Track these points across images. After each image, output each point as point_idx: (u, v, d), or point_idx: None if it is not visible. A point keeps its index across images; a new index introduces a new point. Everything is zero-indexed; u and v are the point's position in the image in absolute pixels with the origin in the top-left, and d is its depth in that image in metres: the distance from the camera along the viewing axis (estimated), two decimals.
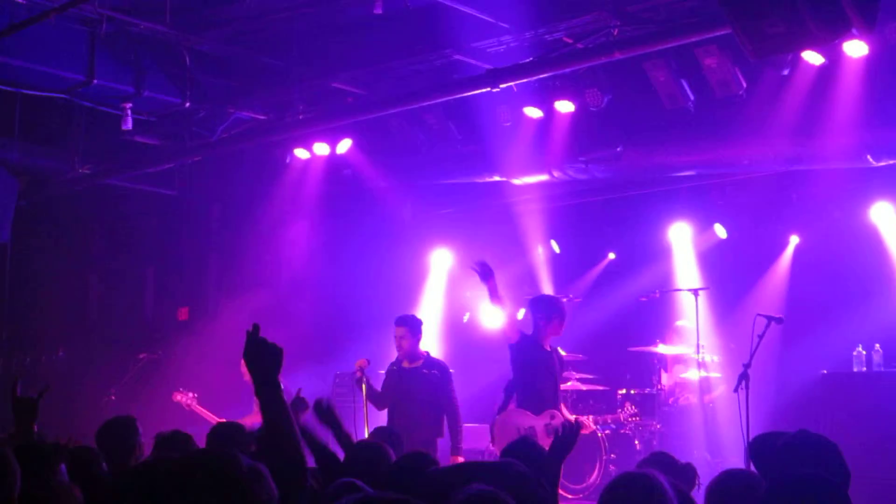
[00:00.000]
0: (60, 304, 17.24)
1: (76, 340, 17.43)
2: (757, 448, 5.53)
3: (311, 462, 6.92)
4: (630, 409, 14.11)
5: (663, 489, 4.87)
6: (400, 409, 11.73)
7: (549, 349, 12.00)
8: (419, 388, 11.72)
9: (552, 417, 11.66)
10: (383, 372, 12.31)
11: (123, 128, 13.98)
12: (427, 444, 11.15)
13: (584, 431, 11.89)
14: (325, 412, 7.58)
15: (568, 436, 6.44)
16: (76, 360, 17.23)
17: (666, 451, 8.11)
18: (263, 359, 4.66)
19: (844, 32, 9.23)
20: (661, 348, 14.53)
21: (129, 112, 13.93)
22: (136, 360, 16.26)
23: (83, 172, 15.62)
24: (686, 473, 7.42)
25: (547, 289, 16.77)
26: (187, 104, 14.15)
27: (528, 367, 11.85)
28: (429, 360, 11.94)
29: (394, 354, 12.16)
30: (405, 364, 11.93)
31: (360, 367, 11.75)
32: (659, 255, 16.15)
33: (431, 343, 16.85)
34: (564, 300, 13.25)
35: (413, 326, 11.96)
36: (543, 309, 12.09)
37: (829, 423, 12.84)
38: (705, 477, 7.57)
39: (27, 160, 15.11)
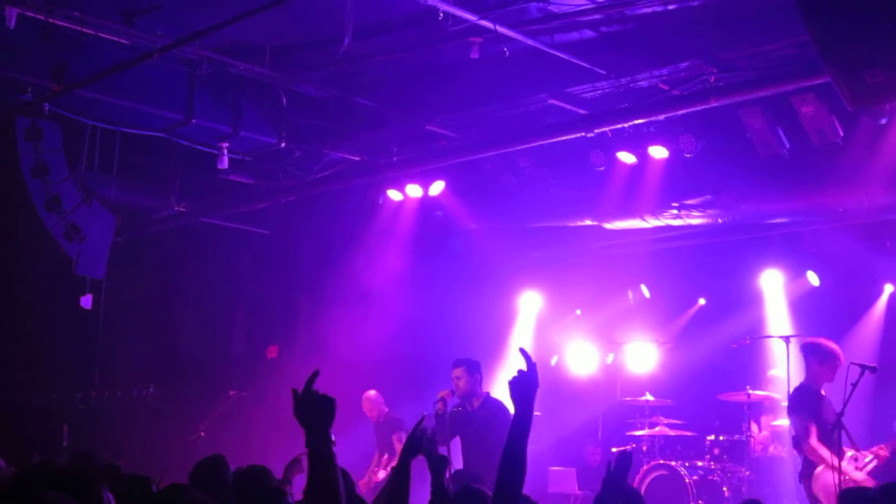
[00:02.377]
0: (152, 340, 17.45)
1: (166, 376, 17.62)
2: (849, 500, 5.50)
3: None
4: (716, 452, 14.05)
5: None
6: (463, 451, 11.76)
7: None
8: (472, 429, 11.71)
9: (855, 460, 11.40)
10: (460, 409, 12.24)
11: (219, 167, 14.19)
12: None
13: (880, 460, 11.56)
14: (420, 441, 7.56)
15: (621, 466, 6.38)
16: (166, 396, 17.41)
17: (758, 499, 8.07)
18: (315, 410, 4.75)
19: None
20: (752, 394, 14.40)
21: (225, 151, 14.14)
22: (226, 397, 16.41)
23: (179, 210, 15.89)
24: None
25: (637, 333, 16.72)
26: (283, 144, 14.35)
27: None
28: (485, 401, 11.92)
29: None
30: (467, 406, 11.93)
31: (442, 397, 11.76)
32: (750, 301, 16.03)
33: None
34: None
35: (470, 367, 11.97)
36: (816, 353, 11.78)
37: None
38: None
39: (125, 197, 15.35)
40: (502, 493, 5.67)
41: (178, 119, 13.47)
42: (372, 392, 15.29)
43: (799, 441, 11.12)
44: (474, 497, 6.69)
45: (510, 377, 5.70)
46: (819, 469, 10.84)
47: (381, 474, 14.29)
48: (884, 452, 11.56)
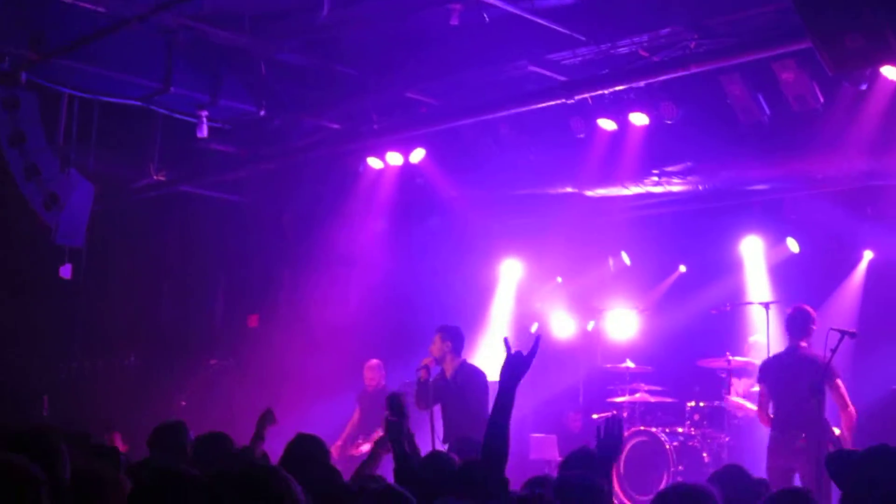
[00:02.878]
0: (133, 309, 17.44)
1: (148, 346, 17.62)
2: (834, 464, 5.51)
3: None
4: (696, 418, 14.14)
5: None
6: (442, 417, 11.81)
7: None
8: (449, 395, 11.75)
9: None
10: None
11: (198, 135, 14.12)
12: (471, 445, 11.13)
13: None
14: (397, 406, 7.61)
15: (612, 432, 6.40)
16: (147, 366, 17.42)
17: (738, 464, 8.08)
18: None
19: None
20: (732, 360, 14.45)
21: (204, 120, 14.06)
22: (207, 366, 16.42)
23: (158, 179, 15.83)
24: (756, 489, 7.40)
25: (618, 300, 16.77)
26: (262, 113, 14.27)
27: None
28: (460, 368, 11.96)
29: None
30: (444, 373, 11.97)
31: (425, 364, 11.81)
32: (730, 268, 16.06)
33: (499, 353, 16.89)
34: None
35: (445, 334, 12.00)
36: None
37: None
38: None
39: (103, 166, 15.26)
40: (488, 462, 5.76)
41: (156, 87, 13.37)
42: (375, 360, 15.24)
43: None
44: (441, 462, 6.73)
45: (503, 361, 5.87)
46: None
47: (365, 447, 14.26)
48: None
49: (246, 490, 3.78)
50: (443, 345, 11.91)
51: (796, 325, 11.87)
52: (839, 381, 11.33)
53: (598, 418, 15.49)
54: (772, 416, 11.82)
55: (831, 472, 5.23)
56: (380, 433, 14.12)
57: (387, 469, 7.61)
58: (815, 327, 11.79)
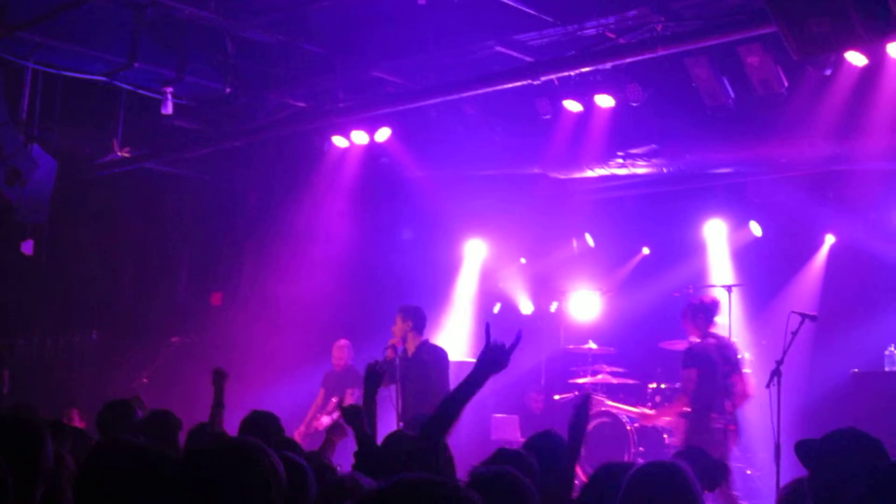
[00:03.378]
0: (95, 286, 17.36)
1: (109, 323, 17.54)
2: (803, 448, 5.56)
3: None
4: (657, 400, 14.25)
5: (688, 480, 4.93)
6: (406, 397, 11.83)
7: None
8: (409, 373, 11.79)
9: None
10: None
11: (163, 112, 14.02)
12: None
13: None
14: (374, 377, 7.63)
15: (579, 412, 6.43)
16: (109, 343, 17.34)
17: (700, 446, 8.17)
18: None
19: (890, 33, 9.28)
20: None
21: (169, 96, 13.97)
22: (169, 343, 16.36)
23: (122, 156, 15.72)
24: (718, 470, 7.49)
25: (581, 282, 16.82)
26: (228, 90, 14.19)
27: None
28: (421, 346, 12.01)
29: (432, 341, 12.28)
30: (408, 352, 12.02)
31: (392, 344, 11.85)
32: (693, 251, 16.15)
33: (462, 333, 16.94)
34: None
35: (405, 314, 12.04)
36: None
37: (859, 421, 12.83)
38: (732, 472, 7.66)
39: (67, 142, 15.18)
40: (434, 424, 5.80)
41: (121, 62, 13.25)
42: (343, 340, 15.20)
43: None
44: (399, 440, 6.74)
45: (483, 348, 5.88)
46: None
47: (326, 420, 14.26)
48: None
49: (230, 464, 3.65)
50: (403, 325, 11.97)
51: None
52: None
53: (561, 399, 15.57)
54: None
55: (800, 456, 5.27)
56: (336, 411, 14.16)
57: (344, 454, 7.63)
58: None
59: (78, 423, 12.65)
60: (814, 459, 5.02)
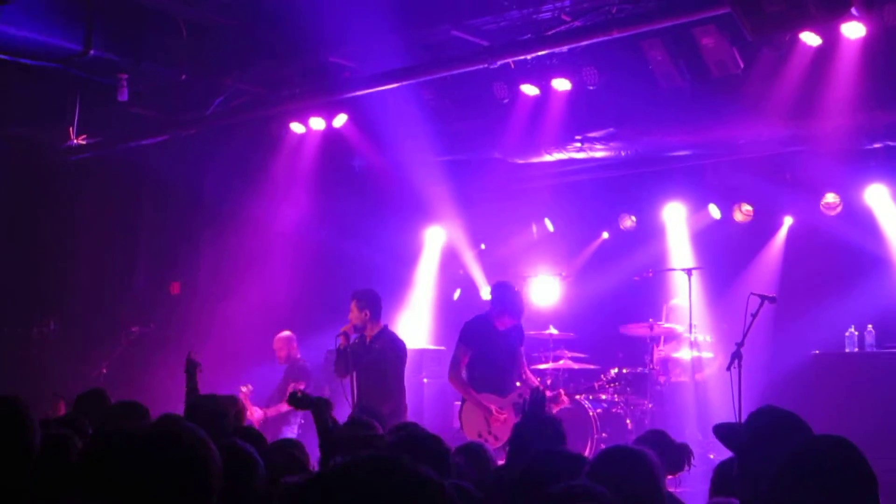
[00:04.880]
0: (51, 276, 17.21)
1: (67, 313, 17.41)
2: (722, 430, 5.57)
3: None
4: (614, 383, 14.27)
5: (652, 464, 4.91)
6: (357, 382, 11.79)
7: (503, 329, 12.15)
8: (365, 361, 11.72)
9: (520, 396, 11.85)
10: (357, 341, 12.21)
11: (119, 99, 13.92)
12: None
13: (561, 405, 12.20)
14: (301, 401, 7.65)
15: (536, 403, 6.41)
16: (67, 333, 17.22)
17: (662, 430, 8.16)
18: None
19: (843, 13, 9.31)
20: (655, 326, 14.57)
21: (124, 83, 13.86)
22: (128, 333, 16.25)
23: (77, 143, 15.59)
24: (681, 453, 7.49)
25: (541, 267, 16.83)
26: (184, 76, 14.10)
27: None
28: (380, 334, 11.94)
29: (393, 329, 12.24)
30: (363, 339, 11.95)
31: (344, 331, 11.79)
32: (653, 234, 16.19)
33: (423, 319, 16.91)
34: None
35: (360, 300, 11.97)
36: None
37: (820, 402, 12.92)
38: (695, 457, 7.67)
39: (23, 130, 15.07)
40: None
41: (76, 50, 13.15)
42: (284, 333, 15.13)
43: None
44: (362, 426, 6.72)
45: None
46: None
47: (258, 413, 14.24)
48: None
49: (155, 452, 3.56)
50: (360, 313, 11.88)
51: None
52: None
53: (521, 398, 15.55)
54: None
55: (720, 438, 5.28)
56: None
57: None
58: None
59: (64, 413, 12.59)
60: (736, 440, 5.03)
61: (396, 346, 11.91)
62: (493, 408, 11.82)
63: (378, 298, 12.09)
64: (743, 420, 5.27)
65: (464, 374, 12.12)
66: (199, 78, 14.37)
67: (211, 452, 3.53)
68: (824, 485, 3.93)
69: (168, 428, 3.64)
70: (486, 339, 12.07)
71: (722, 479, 5.72)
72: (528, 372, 12.60)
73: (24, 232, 16.07)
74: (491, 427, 11.89)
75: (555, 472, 4.79)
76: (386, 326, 12.02)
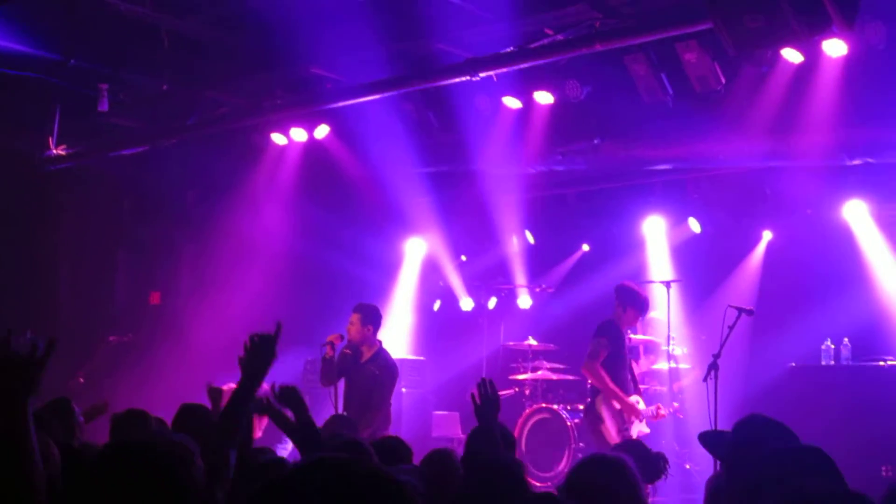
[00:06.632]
0: (30, 285, 17.12)
1: (45, 323, 17.32)
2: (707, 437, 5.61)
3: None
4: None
5: (631, 473, 4.96)
6: (345, 395, 11.72)
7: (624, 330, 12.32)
8: (359, 378, 11.68)
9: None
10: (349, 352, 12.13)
11: (100, 109, 13.91)
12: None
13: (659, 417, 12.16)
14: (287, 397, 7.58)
15: (486, 400, 6.41)
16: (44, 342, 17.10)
17: (639, 440, 8.23)
18: (264, 360, 5.09)
19: (824, 30, 9.35)
20: (632, 338, 14.63)
21: (105, 93, 13.86)
22: (106, 342, 16.21)
23: (58, 153, 15.54)
24: (657, 463, 7.53)
25: (520, 279, 16.88)
26: (165, 87, 14.10)
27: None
28: (377, 355, 11.89)
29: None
30: (357, 354, 11.85)
31: (330, 341, 11.74)
32: (633, 247, 16.29)
33: (403, 331, 16.93)
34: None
35: (365, 315, 11.92)
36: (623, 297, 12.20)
37: (796, 414, 12.98)
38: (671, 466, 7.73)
39: (2, 140, 15.02)
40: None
41: (56, 60, 13.16)
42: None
43: (588, 359, 11.79)
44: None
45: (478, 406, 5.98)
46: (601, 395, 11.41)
47: None
48: (662, 413, 12.22)
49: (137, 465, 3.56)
50: (363, 328, 11.83)
51: None
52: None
53: (502, 395, 15.57)
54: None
55: (706, 445, 5.33)
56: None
57: None
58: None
59: None
60: (721, 448, 5.07)
61: (391, 373, 11.86)
62: (634, 404, 11.80)
63: (381, 317, 12.08)
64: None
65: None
66: (181, 88, 14.38)
67: (194, 466, 3.56)
68: (796, 492, 3.98)
69: (153, 440, 3.68)
70: (618, 339, 12.03)
71: (714, 494, 5.75)
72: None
73: (2, 241, 15.99)
74: (627, 423, 11.88)
75: None
76: (381, 346, 11.98)
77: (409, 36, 12.98)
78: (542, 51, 12.12)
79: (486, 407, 6.13)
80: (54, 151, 15.49)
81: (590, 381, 12.13)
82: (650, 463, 7.42)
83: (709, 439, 5.16)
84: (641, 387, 14.55)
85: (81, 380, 15.26)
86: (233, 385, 9.41)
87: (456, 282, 17.57)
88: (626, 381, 11.84)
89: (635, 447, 7.52)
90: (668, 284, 14.50)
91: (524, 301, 17.04)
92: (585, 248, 17.09)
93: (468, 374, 16.59)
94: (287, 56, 13.66)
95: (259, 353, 5.27)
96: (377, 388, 11.62)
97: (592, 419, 11.97)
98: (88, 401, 8.84)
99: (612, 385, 11.42)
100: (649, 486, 8.68)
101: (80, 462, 4.33)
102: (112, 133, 15.69)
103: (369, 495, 2.44)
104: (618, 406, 11.52)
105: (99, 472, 3.52)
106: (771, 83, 11.85)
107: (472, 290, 17.58)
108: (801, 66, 11.41)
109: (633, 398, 11.67)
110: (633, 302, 11.99)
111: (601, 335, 11.85)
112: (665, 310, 14.21)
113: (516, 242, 17.23)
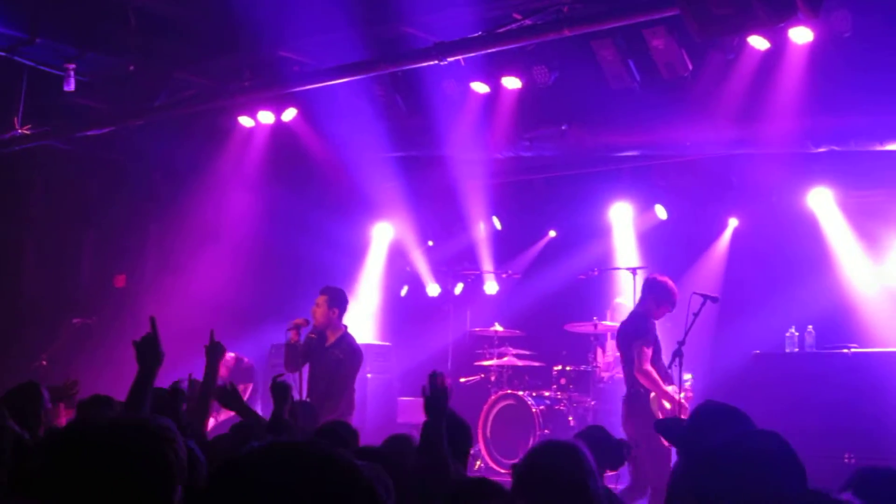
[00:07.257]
0: None
1: (8, 304, 17.22)
2: (663, 425, 5.61)
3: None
4: (563, 382, 14.34)
5: (585, 459, 4.96)
6: (309, 380, 11.64)
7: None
8: (323, 363, 11.61)
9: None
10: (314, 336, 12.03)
11: (65, 89, 13.80)
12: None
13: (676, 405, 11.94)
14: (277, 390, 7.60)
15: (436, 394, 6.37)
16: (7, 324, 17.02)
17: (601, 426, 8.23)
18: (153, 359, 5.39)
19: (790, 17, 9.37)
20: (598, 325, 14.67)
21: (71, 73, 13.75)
22: (69, 324, 16.11)
23: (23, 133, 15.42)
24: (620, 449, 7.56)
25: (487, 264, 16.88)
26: (131, 67, 14.00)
27: None
28: (342, 339, 11.82)
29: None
30: (322, 338, 11.76)
31: (296, 325, 11.66)
32: (599, 233, 16.33)
33: (369, 316, 16.91)
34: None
35: (332, 298, 11.85)
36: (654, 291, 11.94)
37: (759, 401, 13.04)
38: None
39: None
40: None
41: (21, 38, 13.04)
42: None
43: (634, 365, 11.29)
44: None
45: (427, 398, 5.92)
46: (654, 394, 11.12)
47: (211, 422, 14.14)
48: (689, 395, 12.11)
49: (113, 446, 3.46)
50: (329, 311, 11.71)
51: None
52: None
53: (467, 381, 15.60)
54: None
55: (661, 431, 5.34)
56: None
57: None
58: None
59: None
60: (675, 432, 5.08)
61: (357, 357, 11.77)
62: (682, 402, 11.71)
63: (347, 301, 11.99)
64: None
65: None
66: (148, 69, 14.27)
67: (177, 445, 3.52)
68: (753, 475, 3.99)
69: (135, 420, 3.64)
70: (655, 334, 11.90)
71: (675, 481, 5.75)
72: None
73: None
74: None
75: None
76: (347, 331, 11.89)
77: (378, 20, 12.93)
78: (510, 35, 12.09)
79: (436, 400, 6.07)
80: (20, 131, 15.37)
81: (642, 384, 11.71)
82: (612, 450, 7.45)
83: (664, 426, 5.17)
84: (606, 374, 14.64)
85: (44, 362, 15.15)
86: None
87: (423, 267, 17.56)
88: (665, 373, 11.66)
89: (596, 434, 7.54)
90: (633, 271, 14.54)
91: (491, 287, 17.06)
92: (552, 234, 17.12)
93: (434, 360, 16.57)
94: (255, 38, 13.59)
95: (146, 353, 5.57)
96: (341, 373, 11.55)
97: (646, 420, 11.51)
98: (51, 382, 8.74)
99: (663, 387, 11.20)
100: (613, 472, 8.72)
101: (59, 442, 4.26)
102: (78, 113, 15.57)
103: (324, 477, 2.43)
104: (668, 406, 11.40)
105: (85, 450, 3.45)
106: (737, 70, 11.88)
107: (438, 276, 17.58)
108: (767, 54, 11.45)
109: (671, 388, 11.46)
110: (668, 298, 11.73)
111: (640, 336, 11.38)
112: (631, 296, 14.22)
113: (483, 228, 17.23)
